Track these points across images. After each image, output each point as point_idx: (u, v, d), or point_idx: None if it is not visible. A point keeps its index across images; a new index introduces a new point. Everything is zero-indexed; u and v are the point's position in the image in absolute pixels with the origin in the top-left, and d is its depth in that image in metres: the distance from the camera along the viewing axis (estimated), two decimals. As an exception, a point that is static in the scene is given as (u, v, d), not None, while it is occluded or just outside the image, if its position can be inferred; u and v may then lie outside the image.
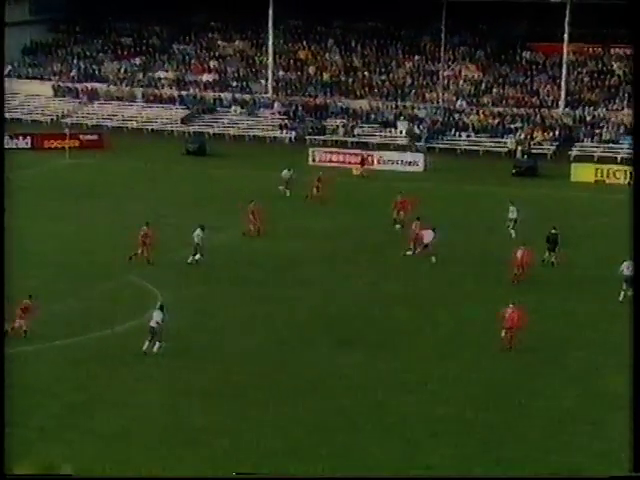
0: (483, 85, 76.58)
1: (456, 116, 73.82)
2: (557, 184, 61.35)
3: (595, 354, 32.10)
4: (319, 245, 44.95)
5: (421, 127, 72.60)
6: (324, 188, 53.12)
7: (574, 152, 68.43)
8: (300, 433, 26.00)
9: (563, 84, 73.21)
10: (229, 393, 28.48)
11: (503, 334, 31.77)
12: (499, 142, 70.93)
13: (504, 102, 74.53)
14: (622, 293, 36.37)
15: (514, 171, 64.69)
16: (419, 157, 66.80)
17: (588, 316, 36.01)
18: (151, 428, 26.02)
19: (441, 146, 71.06)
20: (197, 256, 40.49)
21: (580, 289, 39.03)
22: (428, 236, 41.58)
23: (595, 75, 74.98)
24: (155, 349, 30.57)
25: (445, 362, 31.28)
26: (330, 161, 66.38)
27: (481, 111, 73.67)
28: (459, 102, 75.31)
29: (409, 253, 42.22)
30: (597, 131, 70.25)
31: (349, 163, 65.68)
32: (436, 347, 32.66)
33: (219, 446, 25.05)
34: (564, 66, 73.24)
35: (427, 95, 76.37)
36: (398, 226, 46.60)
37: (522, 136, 70.53)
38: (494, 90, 75.96)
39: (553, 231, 40.59)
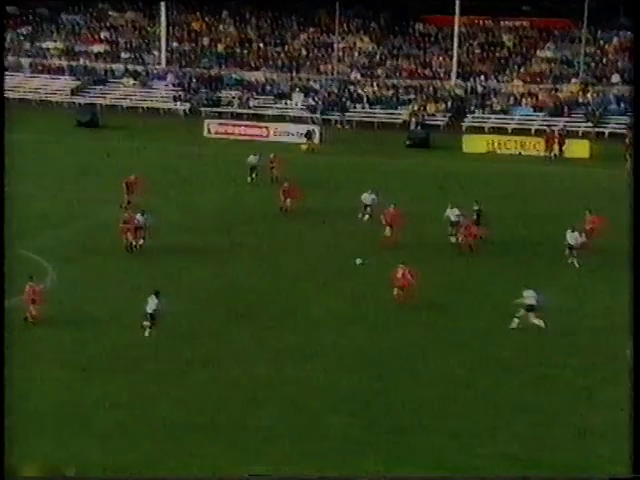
0: (377, 57, 76.95)
1: (351, 88, 74.05)
2: (449, 155, 62.10)
3: (486, 320, 32.61)
4: (212, 218, 44.64)
5: (316, 99, 72.64)
6: (278, 167, 51.06)
7: (466, 123, 69.31)
8: (196, 405, 25.84)
9: (455, 56, 74.05)
10: (123, 366, 28.12)
11: (395, 292, 32.46)
12: (393, 114, 71.43)
13: (398, 74, 75.06)
14: (573, 260, 37.30)
15: (408, 142, 65.28)
16: (315, 129, 66.81)
17: (480, 284, 36.55)
18: (42, 404, 25.53)
19: (336, 118, 71.21)
20: (141, 241, 39.02)
21: (477, 258, 39.56)
22: (454, 215, 40.33)
23: (485, 47, 76.03)
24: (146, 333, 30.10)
25: (341, 332, 31.41)
26: (226, 133, 65.99)
27: (375, 83, 74.05)
28: (354, 74, 75.54)
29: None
30: (488, 102, 71.30)
31: (245, 135, 65.43)
32: (333, 318, 32.75)
33: (114, 420, 24.71)
34: (455, 38, 74.05)
35: (322, 67, 76.39)
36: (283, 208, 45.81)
37: (415, 108, 71.16)
38: (388, 62, 76.39)
39: (475, 207, 40.73)
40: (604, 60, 72.11)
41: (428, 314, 32.75)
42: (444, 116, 70.84)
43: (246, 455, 23.14)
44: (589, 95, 69.24)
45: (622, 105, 67.52)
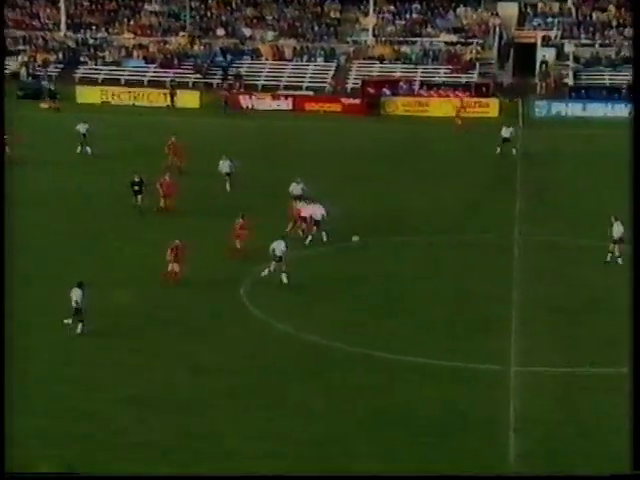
0: (-18, 6, 74.93)
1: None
2: (64, 106, 62.34)
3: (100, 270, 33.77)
4: None
5: None
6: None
7: (78, 74, 69.70)
8: None
9: (63, 7, 73.86)
10: None
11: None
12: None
13: (4, 24, 73.62)
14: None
15: (20, 93, 64.88)
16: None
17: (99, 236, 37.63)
18: None
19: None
20: None
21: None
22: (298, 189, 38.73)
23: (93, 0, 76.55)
24: (79, 330, 28.07)
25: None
26: None
27: (-18, 33, 72.24)
28: (-42, 23, 73.13)
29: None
30: (100, 54, 71.98)
31: None
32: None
33: None
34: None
35: None
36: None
37: (26, 58, 70.44)
38: (-6, 12, 74.66)
39: (136, 179, 40.54)
40: (208, 14, 75.16)
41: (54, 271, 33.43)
42: (56, 67, 70.72)
43: None
44: (196, 47, 72.07)
45: (228, 57, 71.02)
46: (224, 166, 43.90)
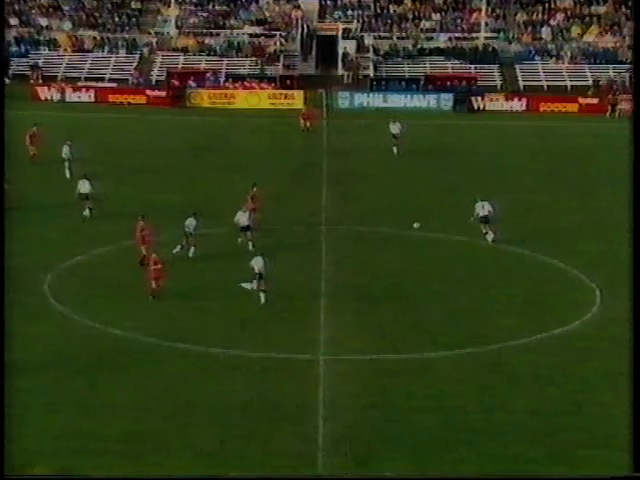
0: None
1: None
2: None
3: None
4: None
5: None
6: None
7: None
8: None
9: None
10: None
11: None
12: None
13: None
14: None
15: None
16: None
17: None
18: None
19: None
20: None
21: None
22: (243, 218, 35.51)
23: None
24: (191, 253, 33.71)
25: None
26: None
27: None
28: None
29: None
30: None
31: None
32: None
33: None
34: None
35: None
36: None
37: None
38: None
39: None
40: None
41: None
42: None
43: None
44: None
45: (22, 47, 68.87)
46: (64, 151, 44.13)
